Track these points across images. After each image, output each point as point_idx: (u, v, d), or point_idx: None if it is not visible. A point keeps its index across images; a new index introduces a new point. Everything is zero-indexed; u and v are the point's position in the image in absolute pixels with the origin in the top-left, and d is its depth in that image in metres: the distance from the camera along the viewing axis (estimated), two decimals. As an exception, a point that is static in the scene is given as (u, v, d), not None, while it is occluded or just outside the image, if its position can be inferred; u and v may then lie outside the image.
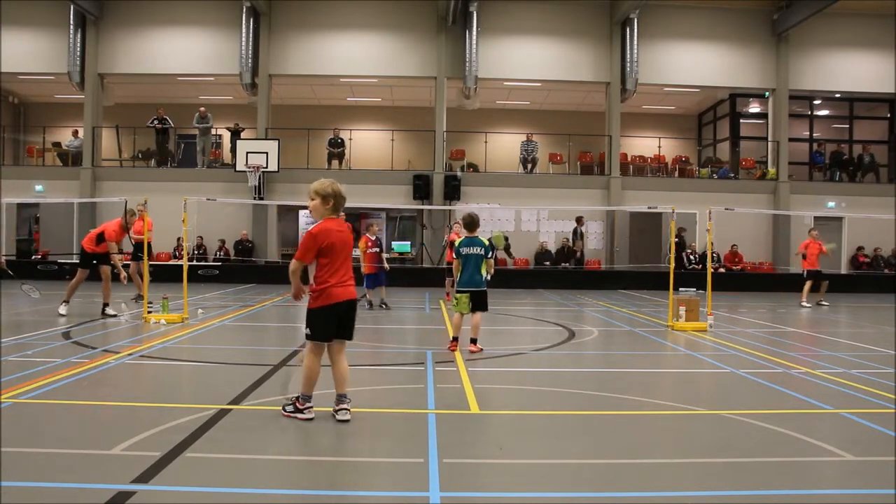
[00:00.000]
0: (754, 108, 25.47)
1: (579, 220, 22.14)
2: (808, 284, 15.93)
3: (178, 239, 19.75)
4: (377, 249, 13.21)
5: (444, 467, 3.92)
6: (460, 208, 21.26)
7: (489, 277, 8.21)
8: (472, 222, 8.24)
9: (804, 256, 16.11)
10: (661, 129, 26.87)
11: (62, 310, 10.97)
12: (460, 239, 8.28)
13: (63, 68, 21.95)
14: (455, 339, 8.14)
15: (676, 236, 21.29)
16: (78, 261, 11.87)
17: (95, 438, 4.44)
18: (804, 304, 15.66)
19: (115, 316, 10.94)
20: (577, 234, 22.12)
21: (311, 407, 4.93)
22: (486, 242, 8.14)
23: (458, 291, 8.16)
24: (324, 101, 26.58)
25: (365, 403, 5.29)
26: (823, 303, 15.95)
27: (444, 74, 22.26)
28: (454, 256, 8.34)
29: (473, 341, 8.12)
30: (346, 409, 4.88)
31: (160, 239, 18.17)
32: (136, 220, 12.69)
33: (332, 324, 4.92)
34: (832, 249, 16.93)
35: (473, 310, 8.10)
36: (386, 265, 13.43)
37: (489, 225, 22.45)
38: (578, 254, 21.92)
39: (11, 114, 26.40)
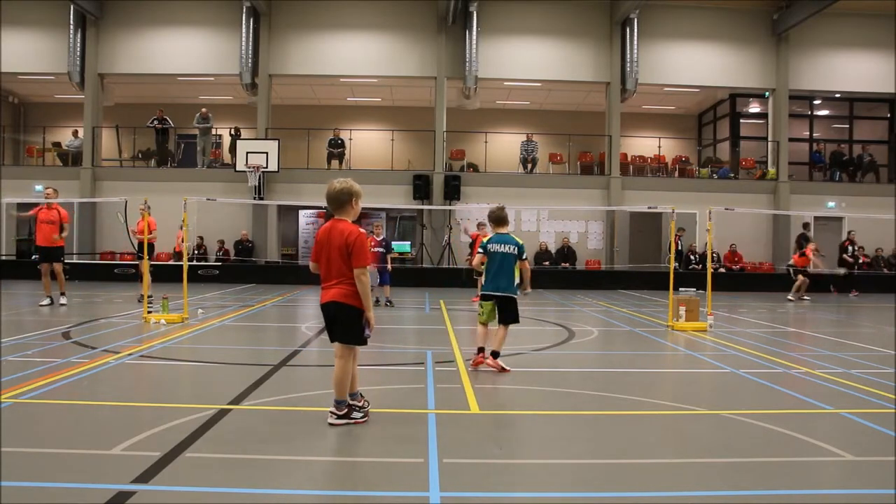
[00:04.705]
0: (754, 108, 25.46)
1: (806, 226, 21.13)
2: (800, 278, 16.64)
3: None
4: (381, 249, 13.72)
5: (444, 467, 3.92)
6: (460, 208, 21.27)
7: (528, 290, 7.22)
8: (500, 218, 7.15)
9: (802, 254, 16.50)
10: (661, 129, 26.84)
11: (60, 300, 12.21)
12: (488, 237, 7.23)
13: (63, 68, 21.94)
14: (481, 349, 7.05)
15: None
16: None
17: (95, 438, 4.44)
18: (790, 298, 16.46)
19: (63, 305, 12.20)
20: (806, 239, 20.57)
21: (352, 409, 4.88)
22: (520, 242, 7.07)
23: (482, 298, 7.16)
24: (324, 101, 26.57)
25: (365, 403, 5.29)
26: (795, 298, 16.59)
27: (444, 74, 22.25)
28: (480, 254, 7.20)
29: (495, 355, 6.92)
30: (331, 411, 4.82)
31: (160, 238, 18.13)
32: (139, 220, 12.76)
33: (327, 323, 4.94)
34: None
35: (503, 321, 7.00)
36: (389, 265, 13.98)
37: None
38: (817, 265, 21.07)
39: (11, 114, 26.39)
